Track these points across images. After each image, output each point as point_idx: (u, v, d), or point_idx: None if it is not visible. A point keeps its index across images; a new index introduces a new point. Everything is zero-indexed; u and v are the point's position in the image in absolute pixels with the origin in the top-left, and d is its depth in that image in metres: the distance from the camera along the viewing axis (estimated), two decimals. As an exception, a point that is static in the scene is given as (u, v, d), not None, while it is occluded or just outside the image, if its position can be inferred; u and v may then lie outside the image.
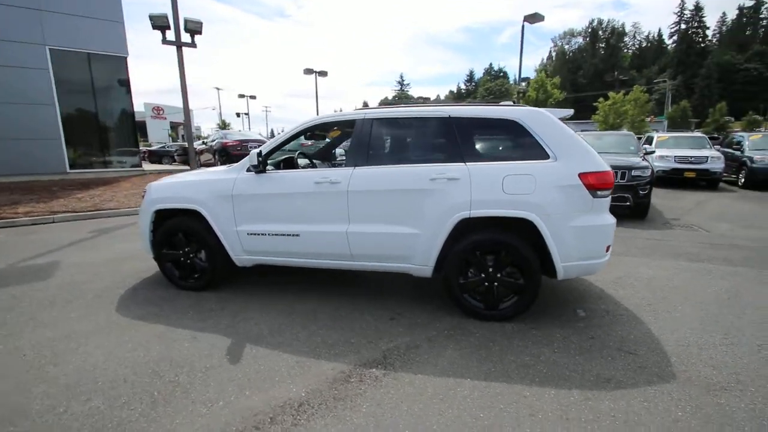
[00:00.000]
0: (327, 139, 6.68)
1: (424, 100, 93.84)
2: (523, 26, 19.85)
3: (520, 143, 2.97)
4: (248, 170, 3.44)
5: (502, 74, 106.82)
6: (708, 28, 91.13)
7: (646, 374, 2.37)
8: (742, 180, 11.07)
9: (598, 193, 2.84)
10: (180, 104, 9.92)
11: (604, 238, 2.91)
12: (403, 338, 2.85)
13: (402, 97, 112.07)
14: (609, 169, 2.89)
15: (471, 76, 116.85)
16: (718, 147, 12.98)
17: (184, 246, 3.72)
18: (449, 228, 2.96)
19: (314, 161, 4.41)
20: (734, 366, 2.46)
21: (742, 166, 11.11)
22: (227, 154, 13.42)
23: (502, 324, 3.02)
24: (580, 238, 2.85)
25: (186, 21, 9.14)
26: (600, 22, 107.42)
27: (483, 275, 3.02)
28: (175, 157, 19.98)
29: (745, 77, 72.46)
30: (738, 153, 11.58)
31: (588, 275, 3.11)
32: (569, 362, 2.51)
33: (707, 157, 10.65)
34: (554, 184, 2.82)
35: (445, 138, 3.08)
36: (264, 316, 3.24)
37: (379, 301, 3.49)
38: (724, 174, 11.10)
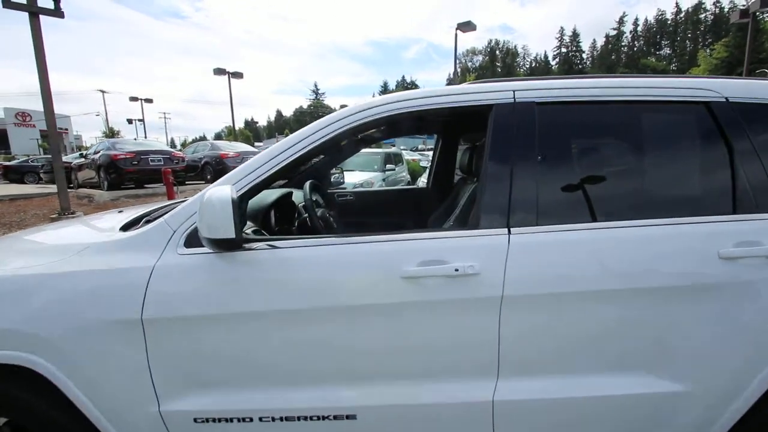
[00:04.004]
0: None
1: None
2: (456, 35, 19.43)
3: None
4: (190, 244, 1.24)
5: (413, 87, 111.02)
6: (584, 52, 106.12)
7: None
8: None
9: None
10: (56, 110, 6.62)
11: None
12: None
13: (318, 107, 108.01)
14: None
15: (385, 87, 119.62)
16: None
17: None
18: (774, 376, 1.17)
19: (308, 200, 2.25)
20: None
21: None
22: (118, 171, 10.01)
23: None
24: None
25: (44, -24, 6.10)
26: (497, 42, 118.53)
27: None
28: (41, 175, 15.17)
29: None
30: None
31: None
32: None
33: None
34: None
35: (721, 153, 1.28)
36: None
37: None
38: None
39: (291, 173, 1.39)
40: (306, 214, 1.89)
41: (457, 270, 1.16)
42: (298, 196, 2.13)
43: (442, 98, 1.35)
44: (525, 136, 1.27)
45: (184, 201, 1.38)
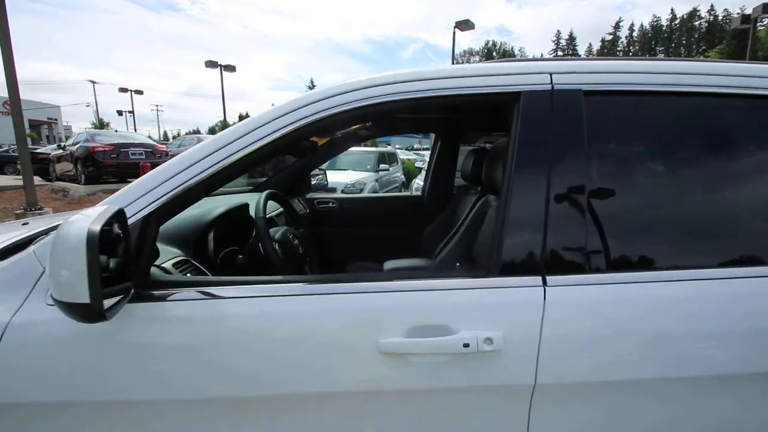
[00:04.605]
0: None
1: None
2: (454, 33, 19.25)
3: None
4: (55, 301, 0.70)
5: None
6: (580, 56, 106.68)
7: None
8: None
9: None
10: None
11: None
12: None
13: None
14: None
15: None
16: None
17: None
18: None
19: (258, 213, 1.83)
20: None
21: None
22: (96, 164, 9.48)
23: None
24: None
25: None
26: (494, 44, 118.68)
27: None
28: (19, 166, 14.50)
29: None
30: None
31: None
32: None
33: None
34: None
35: None
36: None
37: None
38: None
39: (238, 175, 0.95)
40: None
41: (467, 345, 0.76)
42: (271, 206, 1.71)
43: (450, 81, 0.92)
44: (568, 139, 0.87)
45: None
